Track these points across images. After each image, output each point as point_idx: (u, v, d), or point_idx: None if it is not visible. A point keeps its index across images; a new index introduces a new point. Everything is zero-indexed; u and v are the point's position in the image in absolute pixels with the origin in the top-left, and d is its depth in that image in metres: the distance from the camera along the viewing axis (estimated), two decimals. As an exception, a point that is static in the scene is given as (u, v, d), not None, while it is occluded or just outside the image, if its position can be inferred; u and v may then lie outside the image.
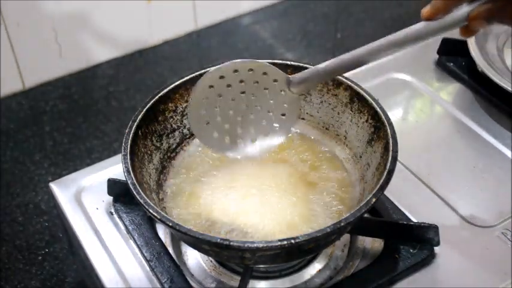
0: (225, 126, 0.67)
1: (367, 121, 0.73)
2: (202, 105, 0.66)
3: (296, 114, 0.67)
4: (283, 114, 0.67)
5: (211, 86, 0.65)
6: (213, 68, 0.65)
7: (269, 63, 0.77)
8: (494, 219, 0.76)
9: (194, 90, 0.66)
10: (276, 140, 0.68)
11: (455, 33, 0.99)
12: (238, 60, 0.64)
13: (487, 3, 0.58)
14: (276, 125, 0.67)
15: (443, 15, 0.60)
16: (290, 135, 0.76)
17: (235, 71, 0.65)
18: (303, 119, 0.79)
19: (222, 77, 0.65)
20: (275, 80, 0.66)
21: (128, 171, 0.65)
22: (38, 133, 1.20)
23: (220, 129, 0.67)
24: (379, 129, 0.70)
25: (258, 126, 0.67)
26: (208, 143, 0.68)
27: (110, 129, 1.21)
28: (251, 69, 0.65)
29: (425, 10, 0.60)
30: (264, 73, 0.65)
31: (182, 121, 0.77)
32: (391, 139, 0.67)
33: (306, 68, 0.76)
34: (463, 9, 0.59)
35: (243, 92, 0.66)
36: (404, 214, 0.76)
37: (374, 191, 0.62)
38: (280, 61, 0.77)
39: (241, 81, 0.65)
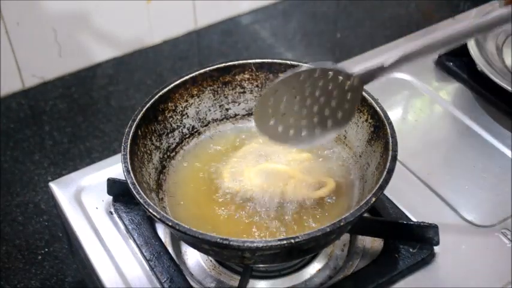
0: (289, 121, 0.68)
1: (366, 120, 0.73)
2: (267, 107, 0.67)
3: (356, 104, 0.68)
4: (345, 104, 0.67)
5: (276, 91, 0.66)
6: (280, 78, 0.66)
7: (269, 63, 0.77)
8: (494, 219, 0.76)
9: (260, 98, 0.68)
10: (337, 130, 0.69)
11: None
12: (301, 68, 0.65)
13: None
14: (338, 114, 0.68)
15: None
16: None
17: (299, 75, 0.66)
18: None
19: (287, 83, 0.66)
20: (339, 77, 0.66)
21: (128, 171, 0.65)
22: (38, 133, 1.20)
23: (285, 124, 0.68)
24: (379, 128, 0.70)
25: (321, 116, 0.68)
26: (274, 138, 0.68)
27: (110, 128, 1.21)
28: (314, 72, 0.66)
29: None
30: (329, 72, 0.66)
31: (182, 121, 0.77)
32: (390, 138, 0.67)
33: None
34: None
35: (307, 90, 0.67)
36: (404, 213, 0.76)
37: (374, 191, 0.62)
38: (280, 61, 0.77)
39: (305, 84, 0.66)
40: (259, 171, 0.73)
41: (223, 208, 0.70)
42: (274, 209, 0.69)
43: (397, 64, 0.65)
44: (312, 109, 0.67)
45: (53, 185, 0.82)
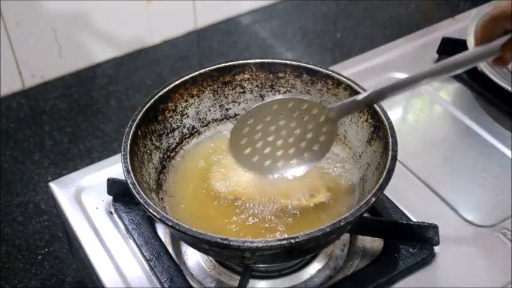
0: (265, 151, 0.68)
1: (366, 120, 0.73)
2: (242, 136, 0.68)
3: (333, 137, 0.68)
4: (321, 136, 0.68)
5: (252, 119, 0.68)
6: (253, 107, 0.68)
7: (269, 63, 0.77)
8: (494, 219, 0.76)
9: (235, 126, 0.69)
10: (314, 162, 0.69)
11: (454, 32, 1.00)
12: (278, 97, 0.68)
13: None
14: (314, 147, 0.68)
15: (486, 40, 0.62)
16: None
17: (275, 105, 0.67)
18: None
19: (261, 112, 0.68)
20: (313, 109, 0.67)
21: (128, 171, 0.65)
22: (38, 133, 1.20)
23: (261, 154, 0.68)
24: (379, 128, 0.70)
25: (297, 148, 0.68)
26: (249, 167, 0.69)
27: (110, 128, 1.21)
28: (290, 102, 0.67)
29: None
30: (303, 105, 0.67)
31: (182, 121, 0.77)
32: (390, 139, 0.67)
33: (306, 67, 0.76)
34: (496, 41, 0.61)
35: (282, 121, 0.68)
36: (404, 214, 0.76)
37: (374, 191, 0.62)
38: (280, 61, 0.77)
39: (280, 114, 0.68)
40: (252, 175, 0.73)
41: (223, 208, 0.70)
42: (273, 211, 0.69)
43: (369, 99, 0.66)
44: (288, 140, 0.68)
45: (53, 185, 0.82)
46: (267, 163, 0.68)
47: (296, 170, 0.68)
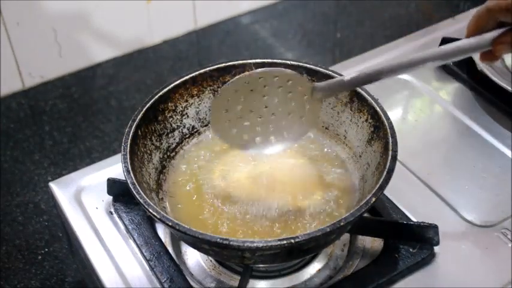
0: (244, 124, 0.68)
1: (366, 120, 0.73)
2: (224, 106, 0.68)
3: (316, 117, 0.69)
4: (303, 117, 0.68)
5: (236, 90, 0.67)
6: (238, 76, 0.67)
7: (269, 63, 0.77)
8: (494, 219, 0.76)
9: (218, 94, 0.68)
10: (293, 141, 0.70)
11: (454, 32, 1.00)
12: (266, 68, 0.66)
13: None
14: (295, 126, 0.69)
15: (478, 32, 0.61)
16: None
17: (261, 77, 0.67)
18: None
19: (246, 83, 0.67)
20: (299, 85, 0.67)
21: (128, 171, 0.65)
22: (38, 133, 1.20)
23: (240, 126, 0.68)
24: (379, 128, 0.70)
25: (277, 126, 0.69)
26: (227, 139, 0.69)
27: (110, 128, 1.21)
28: (276, 76, 0.67)
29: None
30: (289, 80, 0.67)
31: (182, 121, 0.77)
32: (390, 138, 0.67)
33: (306, 67, 0.76)
34: (488, 35, 0.60)
35: (266, 95, 0.68)
36: (404, 214, 0.76)
37: (374, 191, 0.62)
38: (280, 61, 0.77)
39: (265, 86, 0.67)
40: (252, 174, 0.73)
41: (223, 208, 0.70)
42: (273, 211, 0.69)
43: (356, 80, 0.65)
44: (269, 116, 0.68)
45: (53, 185, 0.82)
46: (245, 137, 0.69)
47: (274, 148, 0.69)
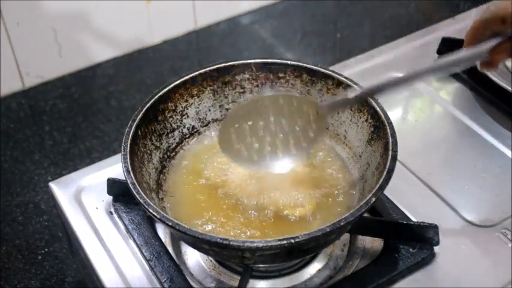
0: (254, 146, 0.69)
1: (366, 120, 0.73)
2: (232, 128, 0.69)
3: (322, 132, 0.70)
4: (311, 133, 0.69)
5: (244, 114, 0.69)
6: (248, 100, 0.70)
7: (269, 63, 0.77)
8: (494, 219, 0.76)
9: (224, 120, 0.70)
10: (301, 156, 0.71)
11: (454, 32, 1.00)
12: (273, 94, 0.70)
13: (510, 40, 0.61)
14: (303, 143, 0.69)
15: (475, 42, 0.63)
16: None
17: (265, 102, 0.68)
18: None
19: (252, 107, 0.69)
20: (304, 106, 0.68)
21: (128, 171, 0.65)
22: (38, 133, 1.20)
23: (250, 148, 0.69)
24: (379, 128, 0.70)
25: (286, 144, 0.69)
26: (238, 161, 0.70)
27: (110, 128, 1.21)
28: (281, 100, 0.68)
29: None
30: (295, 101, 0.69)
31: (182, 121, 0.77)
32: (390, 138, 0.67)
33: (306, 67, 0.76)
34: (485, 45, 0.63)
35: (273, 116, 0.69)
36: (404, 214, 0.76)
37: (374, 191, 0.62)
38: (280, 61, 0.77)
39: (271, 108, 0.69)
40: (252, 174, 0.73)
41: (222, 208, 0.70)
42: (273, 211, 0.69)
43: (360, 97, 0.67)
44: (277, 136, 0.69)
45: (53, 185, 0.82)
46: (255, 158, 0.69)
47: (283, 165, 0.70)
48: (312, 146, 0.70)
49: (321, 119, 0.68)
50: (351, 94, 0.67)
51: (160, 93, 0.74)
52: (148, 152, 0.72)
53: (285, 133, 0.69)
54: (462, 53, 0.63)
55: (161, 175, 0.74)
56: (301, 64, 0.76)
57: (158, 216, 0.61)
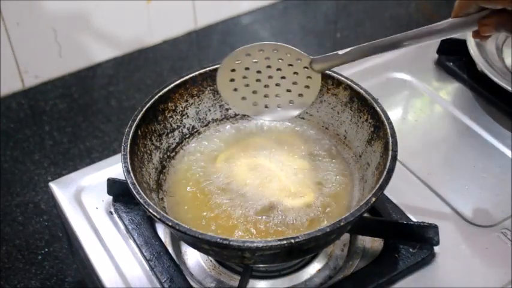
0: (251, 92, 0.72)
1: (366, 120, 0.73)
2: (229, 75, 0.71)
3: (317, 88, 0.72)
4: (307, 87, 0.72)
5: (238, 61, 0.71)
6: (238, 48, 0.70)
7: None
8: (494, 219, 0.76)
9: (222, 63, 0.71)
10: (299, 109, 0.73)
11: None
12: (263, 42, 0.70)
13: (498, 12, 0.63)
14: (299, 95, 0.72)
15: (462, 14, 0.65)
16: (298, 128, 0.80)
17: (261, 50, 0.70)
18: (302, 118, 0.79)
19: (248, 55, 0.70)
20: (298, 59, 0.70)
21: (128, 171, 0.65)
22: (38, 133, 1.20)
23: (247, 94, 0.72)
24: (379, 128, 0.70)
25: (283, 94, 0.72)
26: (236, 105, 0.74)
27: (110, 128, 1.21)
28: (275, 49, 0.70)
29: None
30: (288, 53, 0.70)
31: (182, 121, 0.77)
32: (390, 138, 0.67)
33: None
34: (474, 15, 0.65)
35: (268, 66, 0.71)
36: (404, 214, 0.76)
37: (374, 191, 0.62)
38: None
39: (266, 58, 0.71)
40: (250, 168, 0.73)
41: (222, 208, 0.70)
42: (274, 210, 0.69)
43: (352, 54, 0.68)
44: (274, 84, 0.72)
45: (53, 185, 0.82)
46: (254, 104, 0.73)
47: (281, 115, 0.73)
48: (310, 99, 0.72)
49: (314, 74, 0.70)
50: (342, 51, 0.69)
51: (160, 93, 0.74)
52: (148, 152, 0.72)
53: (282, 84, 0.72)
54: (454, 20, 0.66)
55: (161, 175, 0.74)
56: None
57: (158, 216, 0.61)
